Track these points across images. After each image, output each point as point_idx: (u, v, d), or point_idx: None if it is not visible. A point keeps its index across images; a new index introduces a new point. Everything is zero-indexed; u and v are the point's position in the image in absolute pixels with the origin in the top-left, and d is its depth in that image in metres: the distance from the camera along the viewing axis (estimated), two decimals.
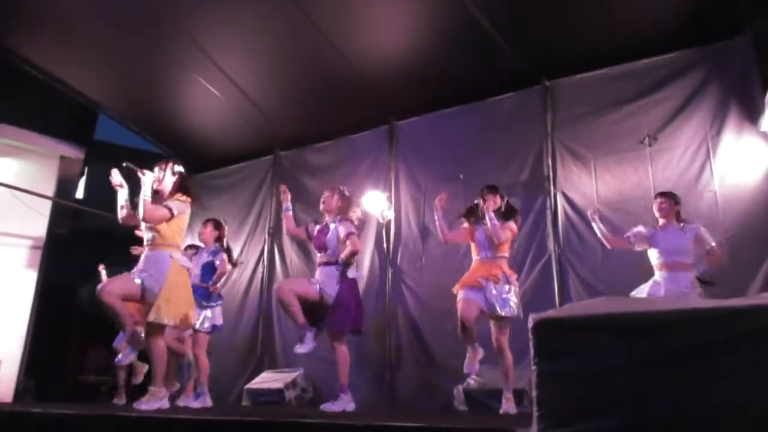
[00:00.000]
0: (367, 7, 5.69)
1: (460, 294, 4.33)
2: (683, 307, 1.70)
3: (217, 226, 5.48)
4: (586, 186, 5.62)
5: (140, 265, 3.90)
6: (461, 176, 6.05)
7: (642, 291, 4.28)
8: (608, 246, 4.62)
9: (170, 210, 3.87)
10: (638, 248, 4.45)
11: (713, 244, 4.25)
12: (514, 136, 6.08)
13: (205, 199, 8.01)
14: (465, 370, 4.28)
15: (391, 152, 6.82)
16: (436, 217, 4.62)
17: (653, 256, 4.37)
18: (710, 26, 5.19)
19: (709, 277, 4.11)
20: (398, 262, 6.44)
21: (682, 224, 4.36)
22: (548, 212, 5.69)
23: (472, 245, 4.56)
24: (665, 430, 1.57)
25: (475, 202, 4.62)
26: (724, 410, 1.53)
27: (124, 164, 3.83)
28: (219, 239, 5.45)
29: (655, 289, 4.21)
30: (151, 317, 3.75)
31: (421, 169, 6.60)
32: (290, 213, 4.79)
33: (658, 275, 4.28)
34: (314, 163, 7.44)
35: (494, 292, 4.24)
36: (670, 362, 1.60)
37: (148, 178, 3.85)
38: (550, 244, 5.60)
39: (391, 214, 6.55)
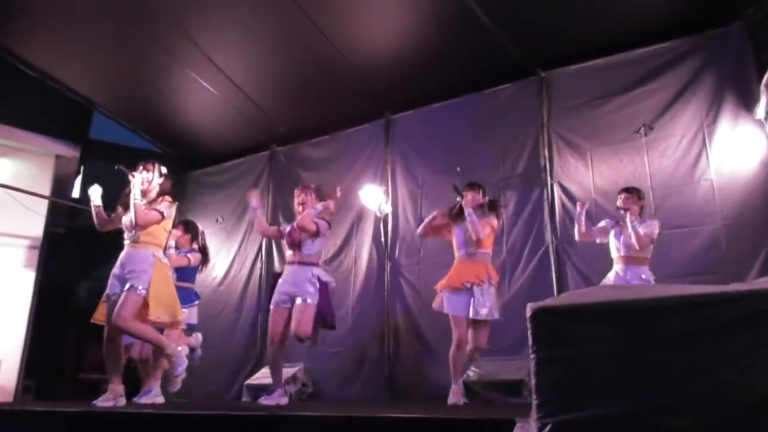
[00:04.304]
0: (362, 0, 5.67)
1: (445, 301, 4.37)
2: (680, 294, 1.70)
3: (187, 227, 5.39)
4: (582, 177, 5.63)
5: (122, 261, 3.92)
6: (458, 169, 6.06)
7: (608, 280, 4.43)
8: (577, 239, 4.73)
9: (161, 213, 3.97)
10: (600, 241, 4.61)
11: (646, 232, 4.33)
12: (511, 128, 6.07)
13: (202, 196, 8.03)
14: (454, 403, 4.27)
15: (388, 146, 6.81)
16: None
17: (612, 249, 4.52)
18: (705, 14, 5.19)
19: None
20: (396, 255, 6.44)
21: (641, 220, 4.47)
22: (545, 203, 5.69)
23: (453, 243, 4.61)
24: (664, 416, 1.57)
25: (457, 199, 4.64)
26: (723, 394, 1.53)
27: (116, 167, 3.90)
28: (194, 240, 5.41)
29: (618, 280, 4.35)
30: (151, 315, 3.78)
31: (417, 162, 6.59)
32: (259, 212, 4.62)
33: (617, 268, 4.43)
34: (311, 158, 7.43)
35: (480, 296, 4.30)
36: (668, 348, 1.61)
37: (137, 180, 3.89)
38: (548, 236, 5.60)
39: (388, 208, 6.54)
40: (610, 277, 4.42)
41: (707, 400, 1.55)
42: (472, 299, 4.29)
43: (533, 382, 1.72)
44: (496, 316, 4.36)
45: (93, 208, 4.11)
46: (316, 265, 4.39)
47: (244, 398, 6.23)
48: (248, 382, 6.35)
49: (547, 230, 5.62)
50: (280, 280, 4.41)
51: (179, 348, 3.95)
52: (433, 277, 6.03)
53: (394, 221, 6.55)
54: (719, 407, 1.53)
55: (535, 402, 1.70)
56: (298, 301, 4.21)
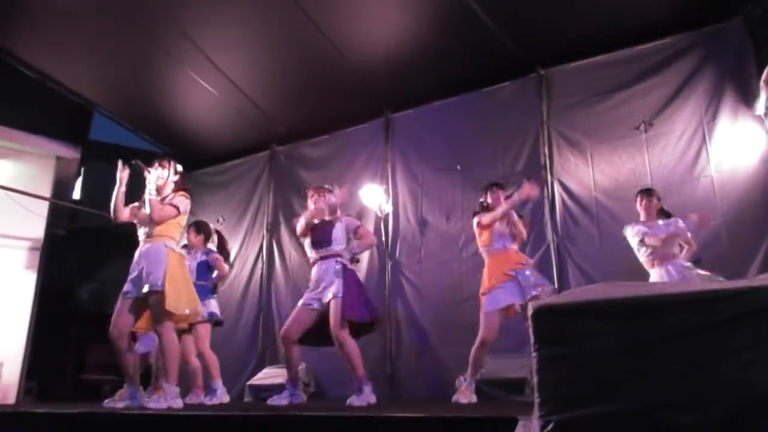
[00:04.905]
0: None
1: (490, 299, 4.21)
2: (682, 290, 1.70)
3: (199, 228, 5.35)
4: (583, 174, 5.63)
5: (137, 258, 3.90)
6: (458, 167, 6.07)
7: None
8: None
9: (177, 208, 3.94)
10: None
11: (689, 234, 4.36)
12: (511, 126, 6.07)
13: (202, 196, 8.02)
14: (456, 400, 4.23)
15: (388, 145, 6.81)
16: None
17: (642, 252, 4.40)
18: (704, 10, 5.20)
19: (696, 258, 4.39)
20: (397, 255, 6.44)
21: (662, 218, 4.45)
22: (546, 201, 5.69)
23: (485, 235, 4.44)
24: (666, 413, 1.57)
25: (481, 200, 4.61)
26: (724, 391, 1.53)
27: (133, 162, 3.89)
28: (207, 240, 5.39)
29: (669, 278, 4.24)
30: (169, 305, 3.70)
31: (417, 161, 6.59)
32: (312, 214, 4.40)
33: (657, 271, 4.30)
34: (311, 158, 7.44)
35: (525, 277, 4.22)
36: (670, 345, 1.60)
37: (152, 176, 3.89)
38: (549, 233, 5.60)
39: (388, 207, 6.54)
40: (656, 279, 4.29)
41: (708, 397, 1.54)
42: (522, 281, 4.19)
43: (535, 380, 1.72)
44: (548, 284, 4.32)
45: (117, 192, 3.94)
46: (339, 256, 4.24)
47: (246, 398, 6.24)
48: (250, 382, 6.36)
49: (547, 228, 5.62)
50: (310, 284, 4.27)
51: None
52: (434, 276, 6.07)
53: (395, 220, 6.55)
54: (720, 404, 1.53)
55: (537, 400, 1.70)
56: (327, 298, 4.11)
